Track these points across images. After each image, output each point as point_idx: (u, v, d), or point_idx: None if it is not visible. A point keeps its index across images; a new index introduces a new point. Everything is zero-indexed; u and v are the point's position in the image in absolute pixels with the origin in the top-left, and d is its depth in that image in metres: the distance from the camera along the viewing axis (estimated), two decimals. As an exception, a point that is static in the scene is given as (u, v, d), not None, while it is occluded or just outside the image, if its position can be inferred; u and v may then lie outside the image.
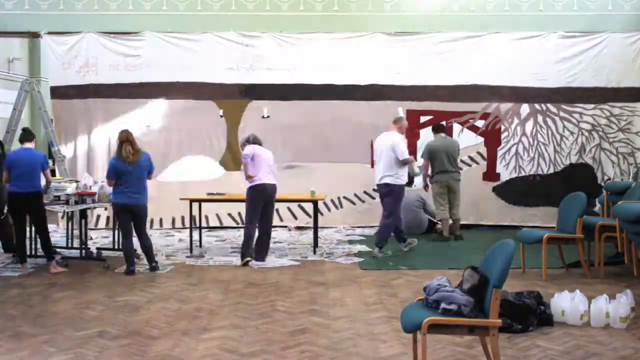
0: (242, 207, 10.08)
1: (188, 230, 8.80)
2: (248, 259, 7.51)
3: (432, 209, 9.51)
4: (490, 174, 10.32)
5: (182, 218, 10.06)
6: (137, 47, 10.14)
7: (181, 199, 8.65)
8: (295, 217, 10.18)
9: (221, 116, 10.18)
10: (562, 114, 10.26)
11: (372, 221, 10.10)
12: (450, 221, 9.12)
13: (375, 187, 8.28)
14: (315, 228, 8.53)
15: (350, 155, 10.14)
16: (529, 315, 5.03)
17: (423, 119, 10.30)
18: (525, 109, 10.28)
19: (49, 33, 10.14)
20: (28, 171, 7.00)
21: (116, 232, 8.19)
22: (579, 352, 4.54)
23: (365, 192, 10.20)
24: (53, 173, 10.18)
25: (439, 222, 9.28)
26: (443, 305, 3.85)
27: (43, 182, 7.22)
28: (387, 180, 7.88)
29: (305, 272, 7.14)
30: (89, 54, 10.10)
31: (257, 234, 7.71)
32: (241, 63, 10.13)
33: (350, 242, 9.05)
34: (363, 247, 8.59)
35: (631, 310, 5.18)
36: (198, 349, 4.60)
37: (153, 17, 10.50)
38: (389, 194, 7.89)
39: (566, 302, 5.21)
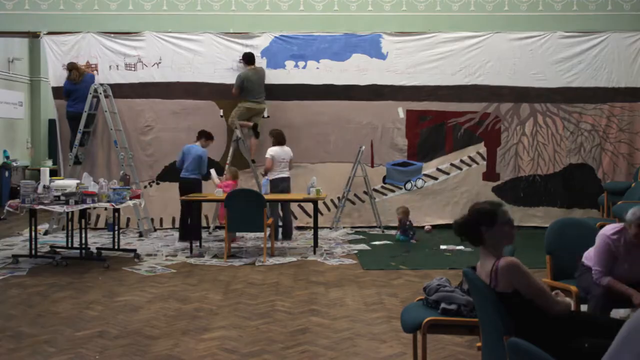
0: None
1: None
2: None
3: None
4: (490, 174, 10.32)
5: (182, 218, 10.05)
6: (137, 47, 10.14)
7: (181, 198, 8.65)
8: (295, 217, 10.17)
9: (221, 116, 10.17)
10: (561, 114, 10.27)
11: (372, 221, 10.11)
12: None
13: None
14: (315, 228, 8.53)
15: (350, 155, 10.13)
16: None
17: (423, 119, 10.31)
18: (525, 109, 10.28)
19: (49, 33, 10.14)
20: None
21: (116, 232, 8.22)
22: (579, 352, 4.53)
23: (365, 192, 10.18)
24: (55, 173, 10.20)
25: None
26: (443, 305, 3.85)
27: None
28: None
29: (305, 272, 7.14)
30: (89, 54, 10.10)
31: None
32: (240, 63, 10.11)
33: (351, 242, 9.05)
34: (363, 247, 8.60)
35: (631, 310, 5.17)
36: (198, 349, 4.60)
37: (153, 17, 10.50)
38: None
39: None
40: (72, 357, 4.47)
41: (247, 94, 9.70)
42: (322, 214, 9.91)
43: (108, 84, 9.97)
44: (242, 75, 9.74)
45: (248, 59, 9.85)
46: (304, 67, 10.23)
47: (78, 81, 9.73)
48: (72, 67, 9.76)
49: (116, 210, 7.99)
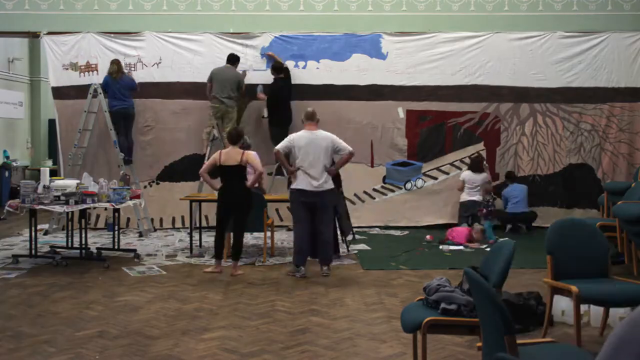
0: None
1: (188, 230, 8.82)
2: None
3: None
4: (490, 174, 10.30)
5: (182, 218, 10.05)
6: (137, 47, 10.14)
7: (181, 198, 8.65)
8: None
9: (221, 116, 10.15)
10: (561, 114, 10.26)
11: (372, 221, 10.11)
12: None
13: None
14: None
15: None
16: (529, 315, 5.03)
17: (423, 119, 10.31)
18: (525, 109, 10.28)
19: (49, 33, 10.14)
20: None
21: (116, 232, 8.21)
22: (579, 352, 4.53)
23: (365, 192, 10.18)
24: (55, 173, 10.20)
25: None
26: (443, 305, 3.85)
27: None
28: None
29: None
30: (89, 54, 10.10)
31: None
32: (241, 63, 10.09)
33: (351, 242, 9.04)
34: (363, 247, 8.60)
35: (631, 310, 5.17)
36: (198, 349, 4.60)
37: (153, 17, 10.50)
38: None
39: (566, 302, 5.20)
40: (72, 357, 4.47)
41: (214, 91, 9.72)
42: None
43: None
44: (212, 70, 9.76)
45: (227, 58, 9.81)
46: (304, 67, 10.23)
47: (116, 77, 9.56)
48: (114, 62, 9.64)
49: (116, 210, 8.00)
